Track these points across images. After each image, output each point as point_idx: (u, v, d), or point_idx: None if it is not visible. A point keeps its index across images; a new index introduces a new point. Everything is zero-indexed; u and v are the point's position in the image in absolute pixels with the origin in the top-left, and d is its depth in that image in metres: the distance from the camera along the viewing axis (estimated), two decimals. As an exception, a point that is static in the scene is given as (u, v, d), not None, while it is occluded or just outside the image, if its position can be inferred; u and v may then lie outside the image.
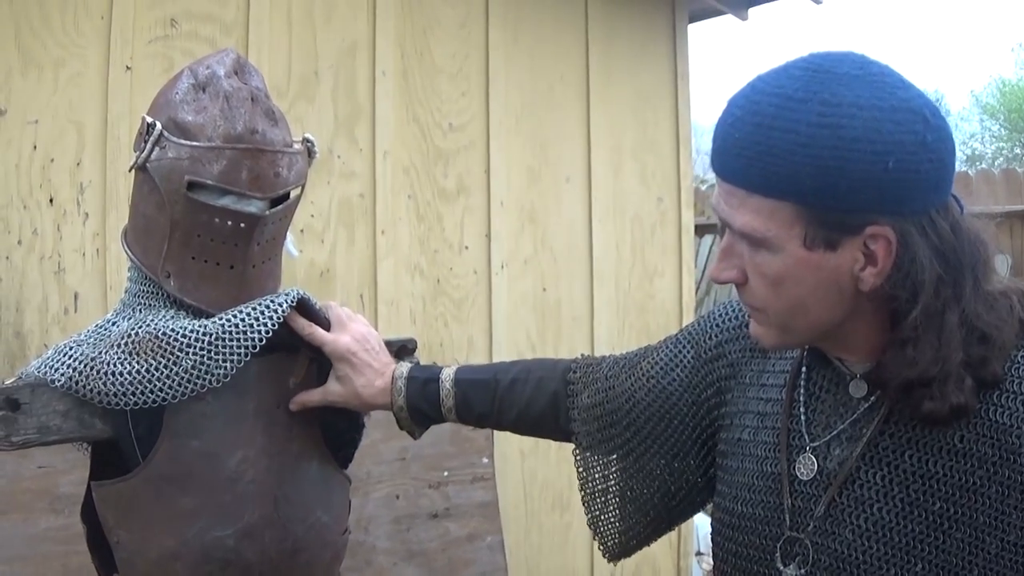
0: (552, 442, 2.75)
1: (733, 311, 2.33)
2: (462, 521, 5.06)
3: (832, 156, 1.71)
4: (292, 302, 2.55)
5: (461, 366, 2.71)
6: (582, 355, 2.67)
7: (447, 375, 2.64)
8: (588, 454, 2.54)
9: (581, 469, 2.57)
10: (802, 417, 2.03)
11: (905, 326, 1.81)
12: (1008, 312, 1.86)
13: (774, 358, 2.18)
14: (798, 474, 2.00)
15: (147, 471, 2.44)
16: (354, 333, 2.61)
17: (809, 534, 1.95)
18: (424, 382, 2.63)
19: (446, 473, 5.04)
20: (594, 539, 2.59)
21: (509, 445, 5.54)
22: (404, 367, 2.65)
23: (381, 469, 4.82)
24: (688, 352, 2.37)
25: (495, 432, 5.34)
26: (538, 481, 5.68)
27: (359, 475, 4.58)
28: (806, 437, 2.01)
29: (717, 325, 2.35)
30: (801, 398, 2.05)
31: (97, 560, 2.64)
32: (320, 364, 2.63)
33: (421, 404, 2.62)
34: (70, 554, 3.68)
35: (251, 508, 2.49)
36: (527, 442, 5.58)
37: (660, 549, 6.25)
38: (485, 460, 5.19)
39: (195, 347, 2.42)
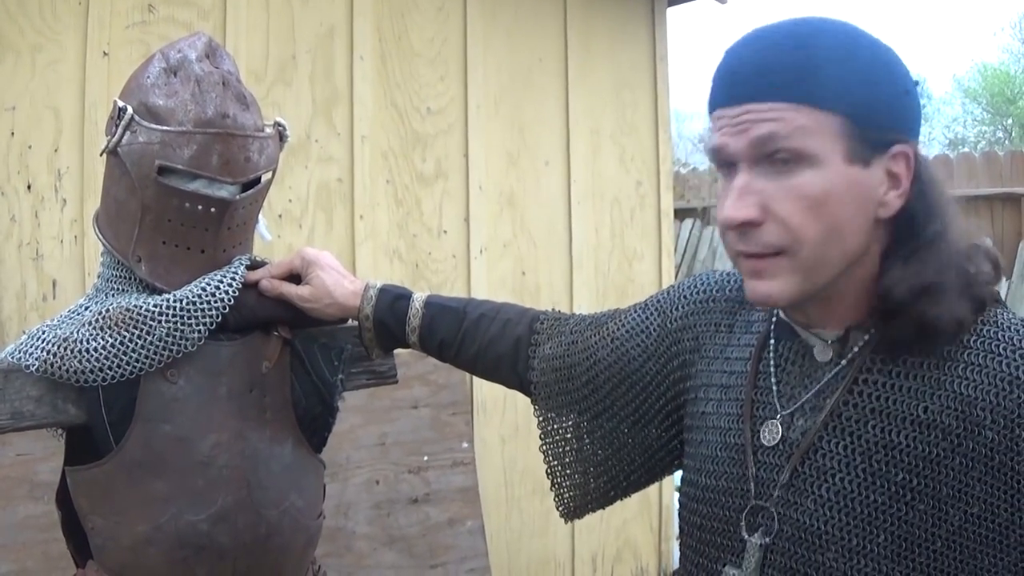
0: (533, 428, 2.74)
1: (702, 284, 2.35)
2: (442, 506, 5.07)
3: (871, 71, 1.81)
4: (247, 261, 2.59)
5: (434, 293, 2.73)
6: (553, 308, 2.68)
7: (419, 296, 2.65)
8: (546, 407, 2.55)
9: (540, 419, 2.58)
10: (773, 387, 2.04)
11: (922, 237, 1.86)
12: (977, 254, 1.93)
13: (739, 332, 2.20)
14: (763, 440, 2.00)
15: (120, 456, 2.44)
16: (323, 252, 2.69)
17: (774, 503, 1.95)
18: (395, 296, 2.65)
19: (426, 458, 5.04)
20: (551, 490, 2.60)
21: (489, 430, 5.56)
22: (378, 281, 2.69)
23: (360, 454, 4.82)
24: (655, 320, 2.38)
25: (475, 417, 5.35)
26: (518, 467, 5.69)
27: (338, 460, 4.59)
28: (776, 405, 2.02)
29: (685, 297, 2.36)
30: (772, 368, 2.06)
31: (72, 546, 2.64)
32: (293, 347, 2.63)
33: (387, 317, 2.63)
34: (50, 541, 3.68)
35: (224, 493, 2.49)
36: (507, 428, 5.59)
37: (641, 533, 6.26)
38: (465, 445, 5.19)
39: (167, 314, 2.44)
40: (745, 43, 1.88)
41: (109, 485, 2.46)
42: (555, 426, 2.55)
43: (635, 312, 2.44)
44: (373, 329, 2.65)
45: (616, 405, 2.41)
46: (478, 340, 2.60)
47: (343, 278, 2.64)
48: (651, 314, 2.40)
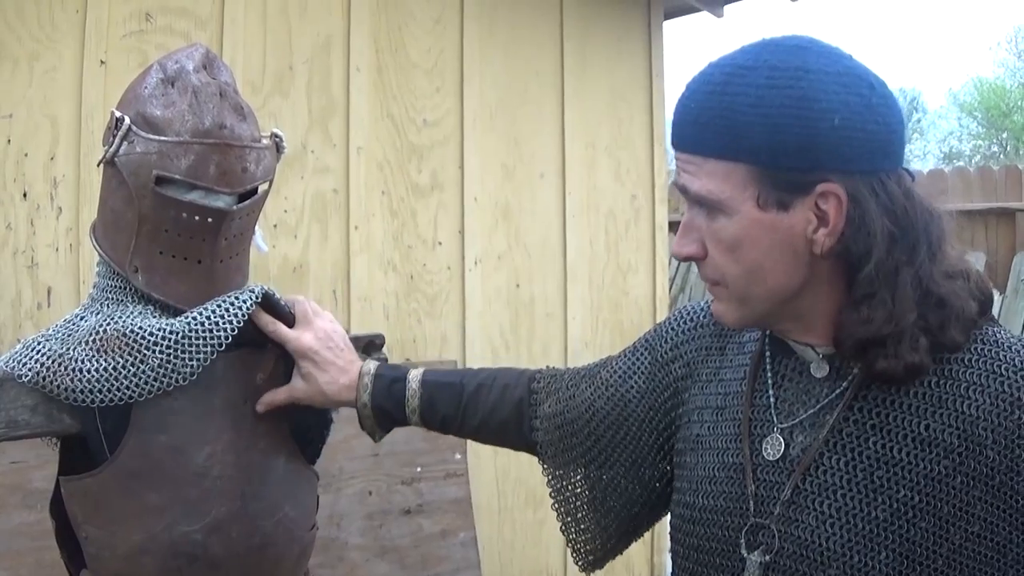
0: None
1: (689, 314, 2.36)
2: (435, 517, 5.06)
3: (780, 114, 1.78)
4: (256, 299, 2.56)
5: (429, 369, 2.69)
6: (548, 366, 2.68)
7: (414, 376, 2.62)
8: (554, 464, 2.55)
9: (550, 478, 2.57)
10: (771, 400, 2.05)
11: (858, 284, 1.85)
12: (965, 284, 1.91)
13: (731, 354, 2.20)
14: (765, 454, 2.01)
15: (114, 466, 2.44)
16: (318, 331, 2.61)
17: (775, 520, 1.95)
18: (391, 381, 2.62)
19: (419, 469, 5.04)
20: (567, 546, 2.59)
21: (482, 441, 5.55)
22: (372, 364, 2.65)
23: (354, 465, 4.82)
24: (645, 359, 2.39)
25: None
26: (511, 478, 5.68)
27: (332, 471, 4.59)
28: (774, 419, 2.02)
29: (673, 328, 2.37)
30: (769, 382, 2.06)
31: (66, 555, 2.64)
32: (287, 360, 2.63)
33: (386, 403, 2.61)
34: (43, 549, 3.67)
35: (218, 503, 2.49)
36: (500, 437, 5.58)
37: (633, 546, 6.25)
38: (458, 456, 5.19)
39: (161, 345, 2.43)
40: (686, 87, 1.93)
41: (103, 495, 2.46)
42: (565, 483, 2.55)
43: (625, 356, 2.46)
44: (373, 416, 2.63)
45: (618, 450, 2.41)
46: (480, 411, 2.59)
47: (339, 372, 2.60)
48: (640, 354, 2.42)
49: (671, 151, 2.01)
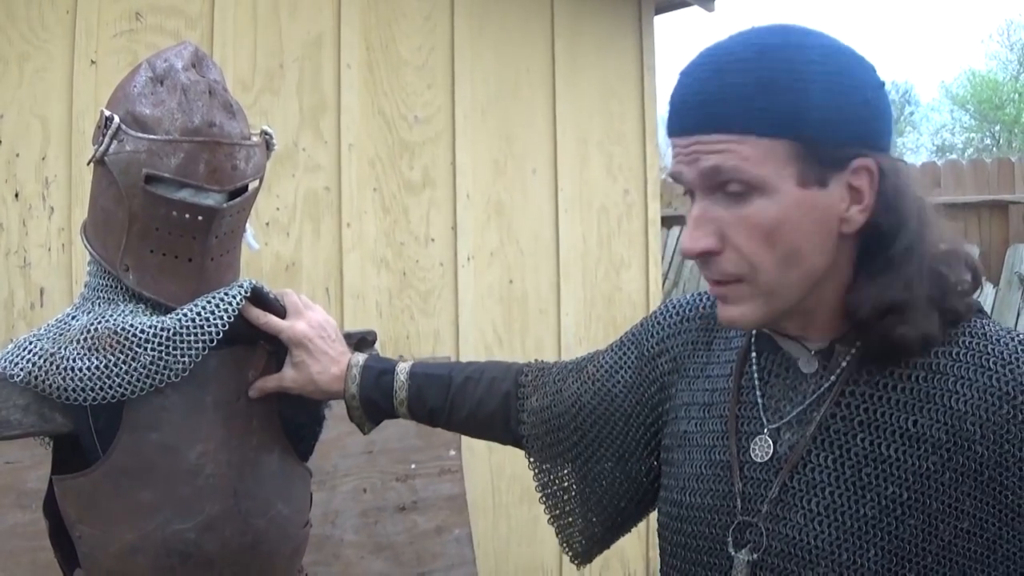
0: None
1: (675, 308, 2.34)
2: (430, 514, 5.06)
3: (820, 89, 1.74)
4: (246, 293, 2.56)
5: (417, 361, 2.70)
6: (536, 360, 2.68)
7: (402, 368, 2.63)
8: (540, 458, 2.56)
9: (536, 471, 2.58)
10: (758, 400, 2.03)
11: (882, 258, 1.83)
12: (957, 258, 1.91)
13: (718, 349, 2.18)
14: (753, 456, 1.99)
15: (107, 465, 2.44)
16: (310, 320, 2.63)
17: (762, 518, 1.94)
18: (379, 372, 2.63)
19: (413, 466, 5.04)
20: (557, 538, 2.60)
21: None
22: (360, 356, 2.66)
23: (348, 463, 4.82)
24: (631, 353, 2.37)
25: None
26: (506, 474, 5.68)
27: (326, 469, 4.58)
28: (763, 419, 2.01)
29: (659, 323, 2.35)
30: (756, 381, 2.05)
31: (60, 554, 2.64)
32: (279, 357, 2.63)
33: (374, 394, 2.62)
34: (38, 550, 3.66)
35: (211, 501, 2.49)
36: (494, 434, 5.58)
37: (628, 541, 6.23)
38: (452, 453, 5.19)
39: (153, 342, 2.43)
40: (693, 68, 1.85)
41: (96, 494, 2.46)
42: (552, 477, 2.55)
43: (612, 351, 2.44)
44: (361, 407, 2.64)
45: (604, 445, 2.40)
46: (467, 404, 2.60)
47: (331, 362, 2.62)
48: (627, 349, 2.40)
49: (663, 146, 1.98)
